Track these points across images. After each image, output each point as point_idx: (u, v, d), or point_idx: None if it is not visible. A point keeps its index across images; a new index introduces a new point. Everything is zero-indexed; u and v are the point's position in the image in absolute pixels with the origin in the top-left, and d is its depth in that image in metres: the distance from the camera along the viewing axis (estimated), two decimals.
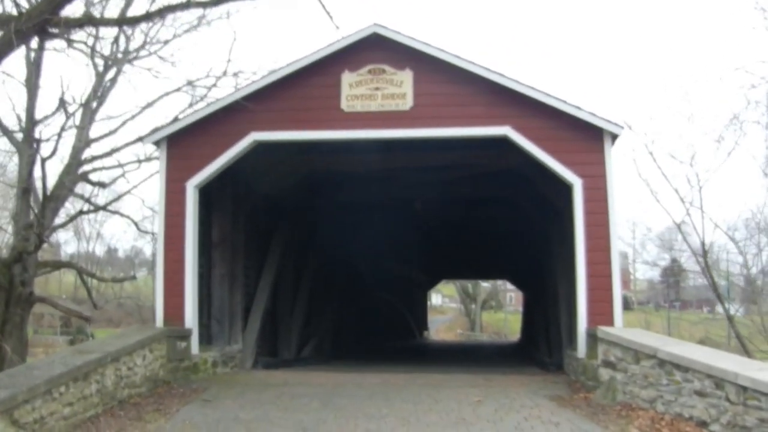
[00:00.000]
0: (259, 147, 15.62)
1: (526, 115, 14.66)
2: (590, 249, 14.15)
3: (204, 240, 16.49)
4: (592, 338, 13.20)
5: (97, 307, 42.81)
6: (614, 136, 14.51)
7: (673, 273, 59.44)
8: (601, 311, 13.92)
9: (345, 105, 14.97)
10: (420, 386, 13.62)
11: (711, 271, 21.13)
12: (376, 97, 14.94)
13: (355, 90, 14.99)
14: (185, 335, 14.52)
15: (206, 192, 16.25)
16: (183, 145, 15.35)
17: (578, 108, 14.41)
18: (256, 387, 13.48)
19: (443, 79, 14.96)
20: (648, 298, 78.72)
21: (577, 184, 14.33)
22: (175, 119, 15.55)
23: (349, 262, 27.21)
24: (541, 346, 22.07)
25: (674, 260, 60.11)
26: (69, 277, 54.97)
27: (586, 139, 14.53)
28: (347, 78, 15.02)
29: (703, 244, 19.90)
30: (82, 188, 23.03)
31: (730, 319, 20.86)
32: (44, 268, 22.45)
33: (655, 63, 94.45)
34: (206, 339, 16.29)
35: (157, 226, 15.71)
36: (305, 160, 18.29)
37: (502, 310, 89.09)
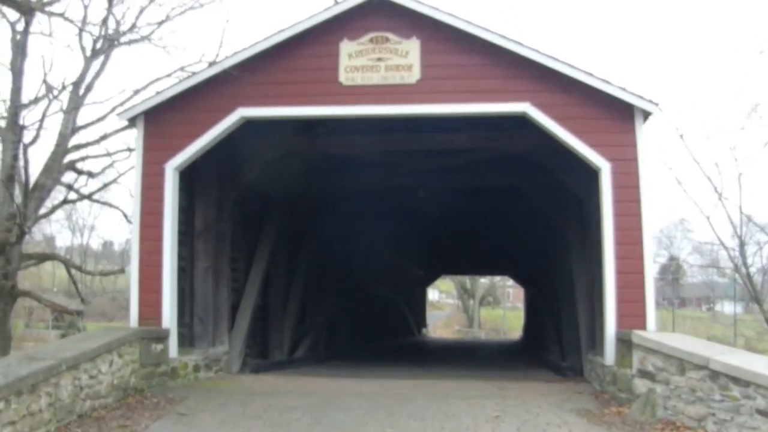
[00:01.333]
0: (248, 126, 13.99)
1: (548, 90, 13.00)
2: (620, 242, 12.51)
3: (186, 229, 14.92)
4: (624, 343, 11.58)
5: (84, 301, 41.53)
6: (646, 115, 12.89)
7: (671, 270, 58.33)
8: (632, 312, 12.31)
9: (343, 78, 13.28)
10: (426, 396, 12.00)
11: (748, 267, 19.41)
12: (378, 69, 13.26)
13: (355, 61, 13.29)
14: (162, 336, 12.86)
15: (188, 176, 14.66)
16: (162, 122, 13.66)
17: (606, 82, 12.78)
18: (242, 396, 11.82)
19: (454, 49, 13.27)
20: None
21: (605, 168, 12.69)
22: (155, 93, 13.86)
23: (346, 255, 25.48)
24: (552, 347, 20.46)
25: (672, 257, 59.21)
26: (62, 270, 53.52)
27: (616, 117, 12.90)
28: (346, 47, 13.33)
29: (740, 237, 18.23)
30: (72, 178, 21.71)
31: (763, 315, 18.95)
32: (28, 260, 21.24)
33: (679, 38, 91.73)
34: (188, 340, 14.67)
35: (133, 213, 14.01)
36: (299, 141, 16.61)
37: (500, 307, 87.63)
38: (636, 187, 12.62)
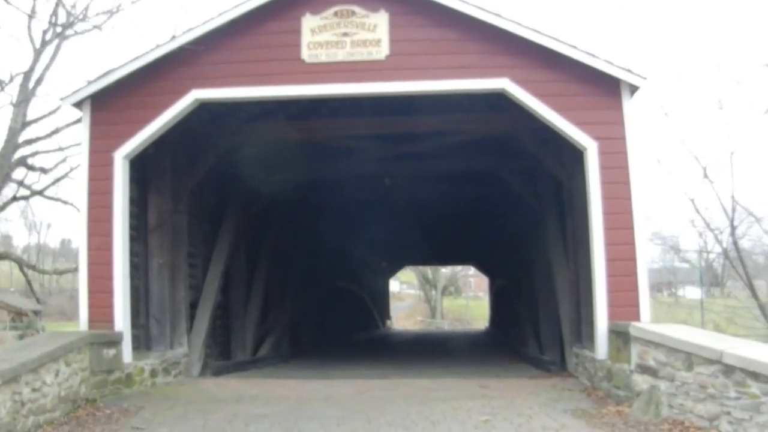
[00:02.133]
0: (205, 111, 13.00)
1: (528, 66, 12.07)
2: (609, 227, 11.65)
3: (139, 224, 13.85)
4: (620, 336, 10.71)
5: (40, 301, 40.07)
6: (633, 90, 12.03)
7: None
8: (625, 302, 11.48)
9: (306, 55, 12.21)
10: (405, 399, 11.03)
11: (740, 252, 18.58)
12: (344, 45, 12.20)
13: (319, 36, 12.23)
14: (114, 340, 11.73)
15: (141, 166, 13.59)
16: (110, 107, 12.50)
17: (591, 55, 11.88)
18: (203, 405, 10.73)
19: (426, 23, 12.29)
20: None
21: (591, 148, 11.80)
22: (103, 74, 12.68)
23: (310, 248, 24.39)
24: (529, 340, 19.56)
25: None
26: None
27: (602, 93, 12.03)
28: (309, 22, 12.25)
29: (732, 220, 17.39)
30: (23, 174, 20.56)
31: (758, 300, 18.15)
32: None
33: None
34: (144, 343, 13.59)
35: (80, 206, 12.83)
36: (259, 127, 15.52)
37: (462, 297, 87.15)
38: (625, 167, 11.76)
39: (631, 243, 11.61)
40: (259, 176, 17.89)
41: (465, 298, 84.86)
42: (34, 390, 9.02)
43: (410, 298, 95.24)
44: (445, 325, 73.48)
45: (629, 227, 11.64)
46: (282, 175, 18.33)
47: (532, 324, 19.80)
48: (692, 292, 57.06)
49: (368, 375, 15.08)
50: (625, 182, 11.71)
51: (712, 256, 30.79)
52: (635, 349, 10.05)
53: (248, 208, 18.18)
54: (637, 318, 11.30)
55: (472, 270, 77.35)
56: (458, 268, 79.18)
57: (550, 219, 16.51)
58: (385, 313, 49.10)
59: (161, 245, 13.84)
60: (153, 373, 12.69)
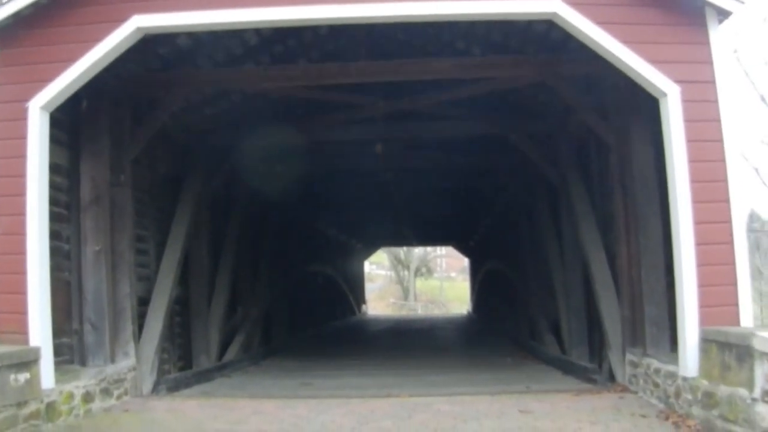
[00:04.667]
0: (156, 53, 9.77)
1: None
2: (698, 200, 8.68)
3: (69, 200, 10.74)
4: (725, 348, 7.74)
5: None
6: (721, 19, 9.07)
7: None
8: (720, 300, 8.57)
9: None
10: (422, 427, 8.11)
11: None
12: None
13: None
14: (27, 360, 8.43)
15: (72, 125, 10.58)
16: (24, 41, 9.22)
17: None
18: None
19: None
20: None
21: (672, 94, 8.79)
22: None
23: (281, 228, 21.09)
24: (545, 335, 16.55)
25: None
26: None
27: (683, 23, 9.04)
28: None
29: None
30: None
31: None
32: None
33: None
34: (78, 356, 10.55)
35: None
36: (227, 75, 12.39)
37: (434, 278, 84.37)
38: (717, 120, 8.78)
39: (727, 221, 8.68)
40: (226, 140, 14.78)
41: (439, 279, 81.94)
42: None
43: (381, 278, 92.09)
44: (419, 307, 70.67)
45: (724, 200, 8.69)
46: (253, 141, 15.18)
47: (546, 316, 16.90)
48: None
49: (362, 387, 12.15)
50: (718, 140, 8.75)
51: None
52: (761, 369, 7.11)
53: (211, 182, 15.04)
54: (736, 321, 8.44)
55: (443, 250, 74.54)
56: (430, 248, 76.19)
57: (576, 192, 13.65)
58: (360, 298, 46.01)
59: (97, 227, 10.59)
60: (87, 398, 9.52)
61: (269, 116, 15.37)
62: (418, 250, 77.14)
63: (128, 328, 11.04)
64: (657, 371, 9.50)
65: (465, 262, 60.33)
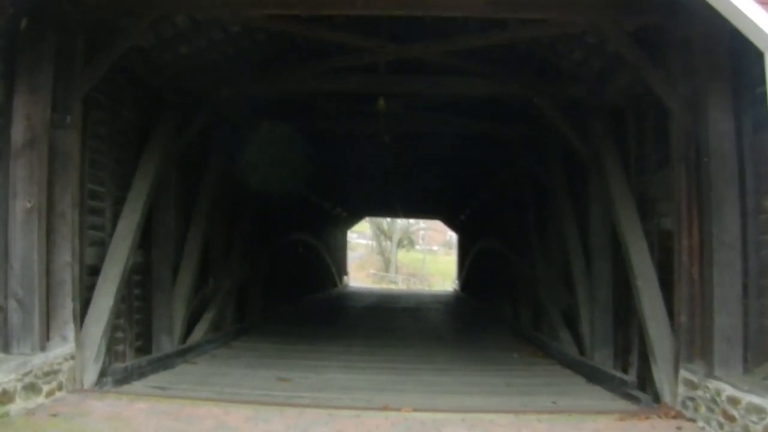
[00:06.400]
0: None
1: None
2: None
3: None
4: None
5: None
6: None
7: None
8: None
9: None
10: None
11: None
12: None
13: None
14: None
15: (6, 51, 8.40)
16: None
17: None
18: None
19: None
20: None
21: None
22: None
23: (260, 191, 18.53)
24: (559, 331, 14.50)
25: None
26: None
27: None
28: None
29: None
30: None
31: None
32: None
33: None
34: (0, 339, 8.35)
35: None
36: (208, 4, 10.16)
37: (416, 250, 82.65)
38: None
39: None
40: (201, 88, 12.59)
41: (422, 252, 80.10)
42: None
43: (360, 248, 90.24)
44: (399, 280, 68.80)
45: None
46: (234, 90, 12.99)
47: (559, 309, 14.92)
48: None
49: (351, 389, 10.18)
50: None
51: None
52: None
53: (183, 135, 12.84)
54: None
55: (426, 223, 72.66)
56: (412, 220, 74.25)
57: (613, 171, 11.63)
58: (342, 269, 43.89)
59: (30, 178, 8.31)
60: (5, 397, 7.40)
61: (255, 60, 13.18)
62: (401, 222, 75.26)
63: (67, 305, 8.86)
64: (733, 401, 7.45)
65: (448, 236, 58.37)
